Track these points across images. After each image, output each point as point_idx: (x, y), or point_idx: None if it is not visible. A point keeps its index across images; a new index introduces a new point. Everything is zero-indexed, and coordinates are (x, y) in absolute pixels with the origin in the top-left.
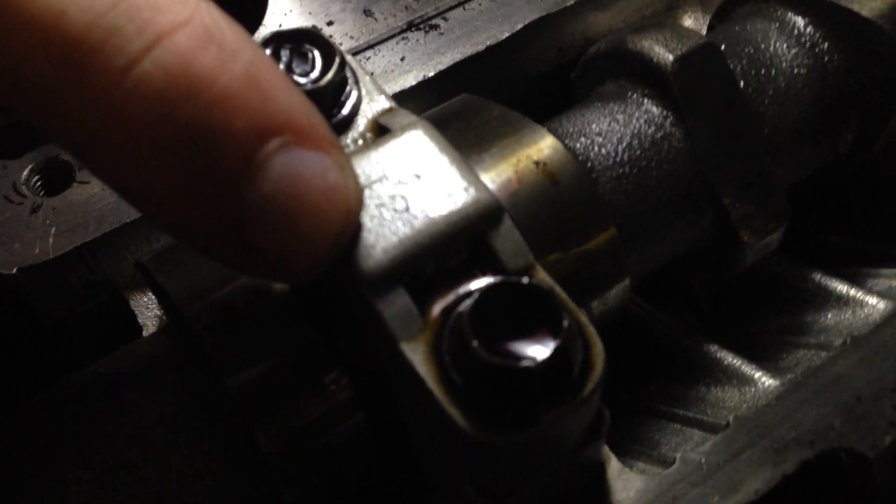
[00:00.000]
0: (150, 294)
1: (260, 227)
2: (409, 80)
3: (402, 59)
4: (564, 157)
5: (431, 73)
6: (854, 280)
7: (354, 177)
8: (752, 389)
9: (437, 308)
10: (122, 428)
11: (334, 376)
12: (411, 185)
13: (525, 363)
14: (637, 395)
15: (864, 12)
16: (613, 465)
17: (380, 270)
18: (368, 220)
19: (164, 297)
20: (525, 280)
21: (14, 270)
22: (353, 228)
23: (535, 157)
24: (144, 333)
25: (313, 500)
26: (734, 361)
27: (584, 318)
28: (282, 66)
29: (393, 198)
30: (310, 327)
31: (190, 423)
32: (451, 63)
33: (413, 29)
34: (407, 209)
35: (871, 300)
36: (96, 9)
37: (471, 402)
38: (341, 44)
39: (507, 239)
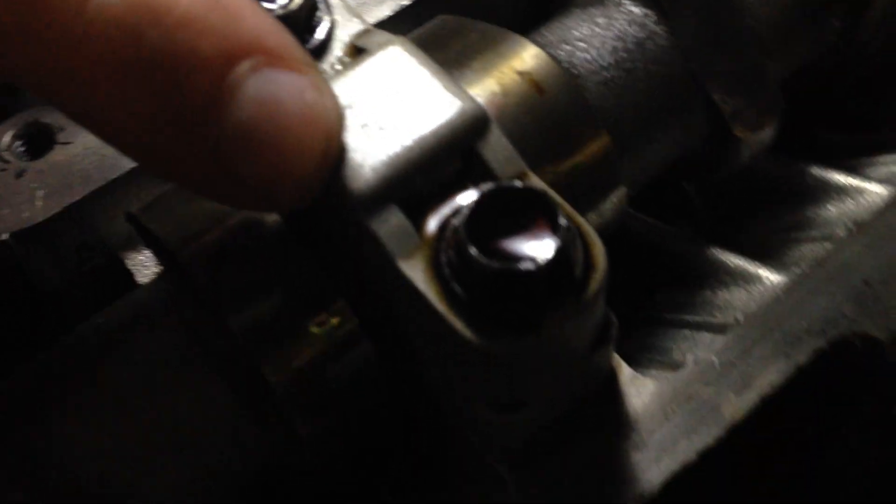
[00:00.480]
0: (146, 252)
1: (238, 154)
2: (385, 10)
3: None
4: (548, 65)
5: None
6: (853, 170)
7: (333, 96)
8: (760, 287)
9: (432, 222)
10: (126, 372)
11: (338, 305)
12: (393, 102)
13: (525, 265)
14: (643, 305)
15: None
16: (625, 371)
17: (370, 190)
18: (353, 140)
19: (158, 244)
20: (518, 183)
21: (5, 236)
22: (336, 149)
23: (519, 68)
24: None
25: (329, 434)
26: (738, 262)
27: (580, 219)
28: None
29: (376, 116)
30: (308, 257)
31: (196, 364)
32: None
33: None
34: (391, 126)
35: (873, 187)
36: None
37: (474, 312)
38: None
39: (497, 147)
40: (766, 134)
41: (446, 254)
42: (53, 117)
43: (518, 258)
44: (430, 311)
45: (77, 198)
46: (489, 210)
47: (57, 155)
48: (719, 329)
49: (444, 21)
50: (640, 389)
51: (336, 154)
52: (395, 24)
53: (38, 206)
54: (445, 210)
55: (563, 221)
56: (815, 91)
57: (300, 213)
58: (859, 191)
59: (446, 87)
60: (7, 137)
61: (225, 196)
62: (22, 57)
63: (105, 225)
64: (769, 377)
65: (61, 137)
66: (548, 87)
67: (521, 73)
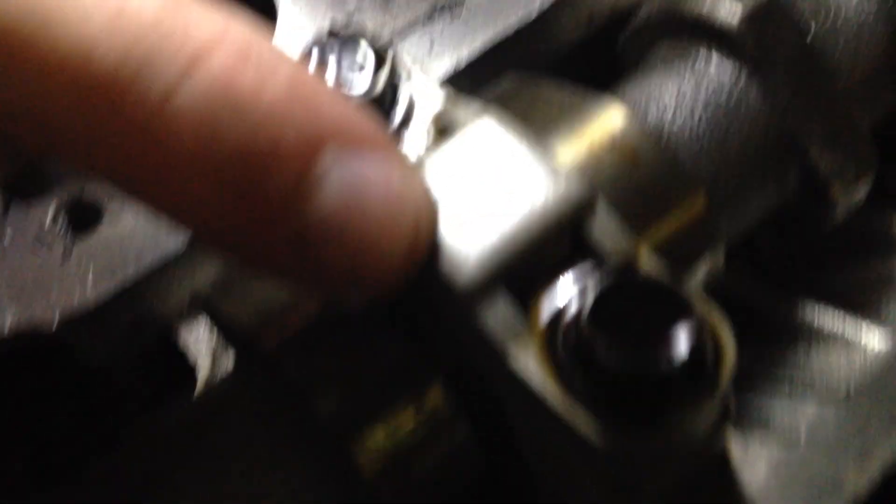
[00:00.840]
0: (200, 329)
1: (322, 245)
2: (441, 69)
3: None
4: (640, 131)
5: (464, 58)
6: None
7: (420, 180)
8: (862, 354)
9: (543, 311)
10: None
11: (434, 391)
12: (493, 181)
13: (661, 366)
14: None
15: None
16: (737, 446)
17: (477, 280)
18: (454, 226)
19: (234, 330)
20: (642, 274)
21: (54, 327)
22: (427, 236)
23: (610, 134)
24: (197, 371)
25: None
26: (837, 323)
27: (708, 304)
28: (331, 72)
29: (475, 198)
30: (401, 339)
31: (290, 454)
32: (482, 47)
33: (436, 15)
34: (493, 210)
35: None
36: (126, 39)
37: (597, 410)
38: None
39: (605, 225)
40: (862, 192)
41: (563, 346)
42: (98, 191)
43: (651, 359)
44: (546, 407)
45: (131, 275)
46: (611, 302)
47: (105, 232)
48: (825, 399)
49: (518, 82)
50: (755, 465)
51: (427, 241)
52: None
53: (89, 288)
54: (557, 297)
55: (697, 314)
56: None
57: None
58: None
59: (548, 164)
60: (50, 214)
61: (307, 283)
62: (94, 153)
63: (159, 302)
64: (889, 450)
65: (108, 213)
66: (642, 155)
67: (613, 143)
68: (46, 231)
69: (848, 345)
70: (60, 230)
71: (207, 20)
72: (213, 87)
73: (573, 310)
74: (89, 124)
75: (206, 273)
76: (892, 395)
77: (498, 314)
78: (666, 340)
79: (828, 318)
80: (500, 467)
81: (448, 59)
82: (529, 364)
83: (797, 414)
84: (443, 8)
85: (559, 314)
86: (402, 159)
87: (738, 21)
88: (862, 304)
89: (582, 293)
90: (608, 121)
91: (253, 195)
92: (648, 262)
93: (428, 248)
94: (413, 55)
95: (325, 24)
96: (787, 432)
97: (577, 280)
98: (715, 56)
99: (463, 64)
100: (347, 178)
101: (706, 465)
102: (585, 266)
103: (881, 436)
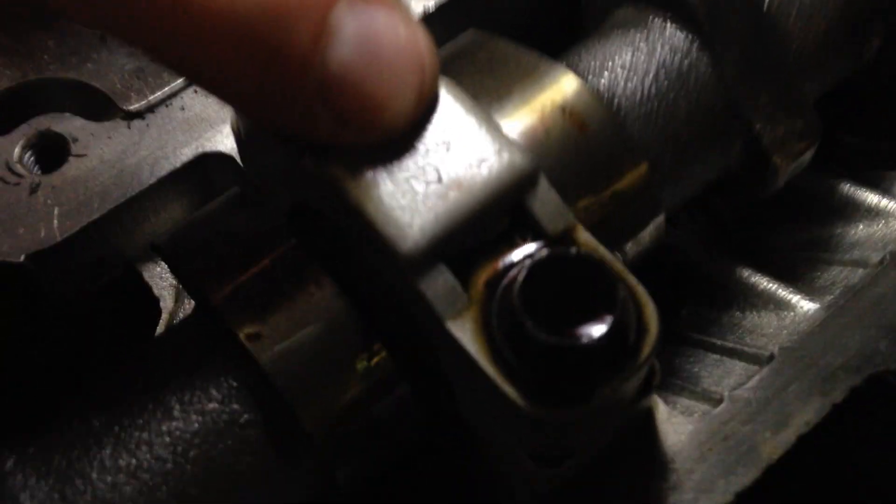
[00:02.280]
0: (163, 264)
1: (343, 92)
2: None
3: None
4: (591, 100)
5: (431, 4)
6: (881, 187)
7: (424, 29)
8: (791, 314)
9: (480, 281)
10: (163, 420)
11: (375, 350)
12: (441, 154)
13: (584, 341)
14: (669, 322)
15: None
16: (661, 409)
17: (419, 250)
18: (401, 195)
19: (187, 281)
20: (573, 251)
21: (22, 258)
22: (431, 80)
23: (561, 103)
24: (161, 304)
25: (365, 475)
26: (769, 285)
27: (633, 280)
28: None
29: (424, 169)
30: (347, 302)
31: (238, 413)
32: None
33: None
34: (439, 180)
35: None
36: None
37: (526, 378)
38: None
39: (546, 201)
40: (804, 159)
41: (497, 318)
42: (65, 126)
43: (575, 333)
44: (479, 373)
45: (95, 217)
46: (543, 278)
47: (72, 168)
48: (752, 359)
49: (477, 40)
50: (676, 428)
51: (432, 84)
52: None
53: (55, 225)
54: (494, 268)
55: (621, 293)
56: (841, 95)
57: (341, 257)
58: (890, 214)
59: (495, 138)
60: (18, 148)
61: (326, 132)
62: (133, 29)
63: (123, 238)
64: (805, 416)
65: (75, 149)
66: (591, 123)
67: (563, 109)
68: (14, 166)
69: (778, 309)
70: (28, 165)
71: None
72: None
73: (506, 284)
74: None
75: (168, 212)
76: (814, 360)
77: (438, 284)
78: (590, 317)
79: (762, 282)
80: (440, 421)
81: (414, 7)
82: (466, 334)
83: (724, 376)
84: None
85: (494, 284)
86: (408, 12)
87: None
88: (796, 270)
89: (516, 268)
90: (560, 87)
91: (276, 51)
92: (584, 238)
93: (434, 92)
94: None
95: None
96: (712, 394)
97: (514, 254)
98: (669, 24)
99: (432, 8)
100: (361, 27)
101: (630, 424)
102: (523, 239)
103: (799, 401)
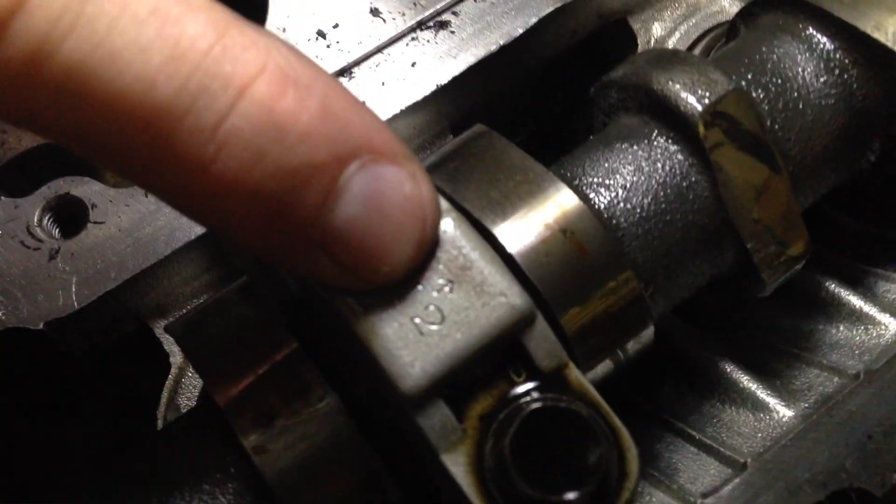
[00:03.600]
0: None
1: (345, 245)
2: (423, 90)
3: (413, 64)
4: (591, 223)
5: (445, 81)
6: (865, 285)
7: (429, 184)
8: (767, 418)
9: (475, 413)
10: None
11: (374, 465)
12: (445, 293)
13: (568, 497)
14: (650, 400)
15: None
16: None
17: (419, 390)
18: (405, 334)
19: (198, 372)
20: (563, 403)
21: (41, 325)
22: (432, 232)
23: (563, 225)
24: (171, 360)
25: None
26: (748, 385)
27: (618, 423)
28: None
29: (428, 308)
30: (348, 418)
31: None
32: (465, 67)
33: (423, 28)
34: (442, 320)
35: (884, 319)
36: (182, 72)
37: None
38: (349, 51)
39: (541, 341)
40: (793, 273)
41: (489, 458)
42: (84, 190)
43: (559, 487)
44: None
45: (111, 287)
46: (533, 427)
47: (90, 236)
48: (727, 461)
49: (485, 142)
50: None
51: (432, 236)
52: (430, 102)
53: (73, 293)
54: (490, 402)
55: (604, 447)
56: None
57: (341, 363)
58: (871, 321)
59: (497, 281)
60: (38, 211)
61: (328, 278)
62: (149, 173)
63: (137, 300)
64: None
65: (93, 215)
66: (590, 247)
67: (564, 232)
68: (34, 230)
69: (755, 410)
70: (47, 228)
71: (253, 46)
72: (258, 112)
73: (497, 428)
74: (143, 149)
75: (182, 275)
76: (783, 473)
77: (435, 419)
78: (575, 469)
79: (742, 380)
80: None
81: (427, 84)
82: (459, 468)
83: (700, 474)
84: (429, 23)
85: (489, 423)
86: (414, 165)
87: (699, 113)
88: (776, 368)
89: (510, 414)
90: (563, 208)
91: (285, 208)
92: (574, 377)
93: (434, 240)
94: (394, 74)
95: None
96: (687, 495)
97: (508, 392)
98: (671, 144)
99: (442, 87)
100: (368, 185)
101: None
102: (517, 374)
103: None
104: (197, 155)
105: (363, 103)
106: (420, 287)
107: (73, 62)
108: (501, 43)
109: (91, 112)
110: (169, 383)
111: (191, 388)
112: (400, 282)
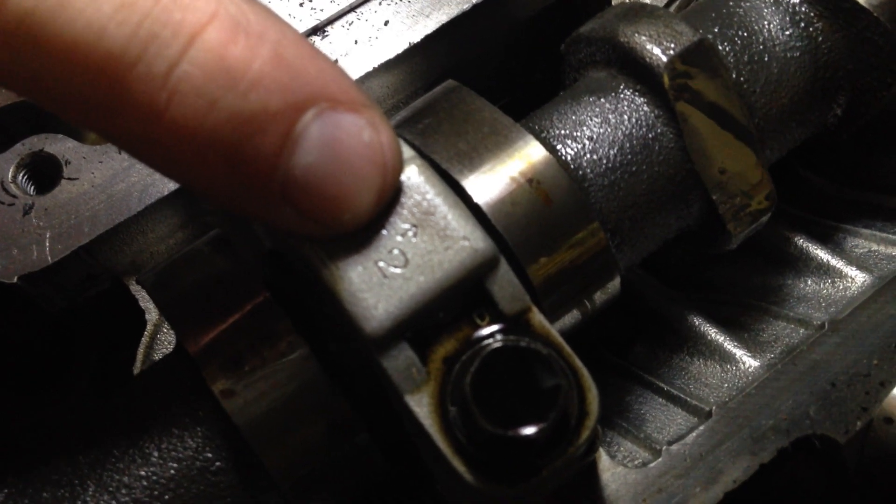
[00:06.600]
0: None
1: (305, 193)
2: (396, 48)
3: (386, 23)
4: (558, 173)
5: (418, 39)
6: (834, 240)
7: (389, 131)
8: (734, 368)
9: (439, 356)
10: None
11: (341, 407)
12: (409, 238)
13: (526, 432)
14: (622, 356)
15: (862, 1)
16: (604, 459)
17: (383, 331)
18: (369, 278)
19: (170, 323)
20: (524, 342)
21: (15, 279)
22: (393, 180)
23: (529, 175)
24: (147, 316)
25: None
26: (717, 337)
27: (579, 364)
28: None
29: (391, 253)
30: (316, 363)
31: (210, 461)
32: (438, 26)
33: None
34: (406, 263)
35: (850, 272)
36: (132, 20)
37: (475, 457)
38: (322, 10)
39: (504, 285)
40: (759, 225)
41: (452, 398)
42: (58, 147)
43: (519, 423)
44: (433, 444)
45: (85, 241)
46: (494, 366)
47: (64, 192)
48: (693, 410)
49: (456, 96)
50: (616, 478)
51: (393, 183)
52: (404, 61)
53: (47, 248)
54: (452, 345)
55: (563, 385)
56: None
57: (311, 309)
58: (838, 273)
59: (461, 225)
60: (12, 167)
61: (291, 226)
62: (102, 119)
63: (111, 257)
64: (734, 474)
65: (67, 171)
66: (556, 197)
67: (531, 181)
68: (8, 186)
69: (723, 361)
70: (21, 185)
71: None
72: (208, 59)
73: (460, 369)
74: (98, 97)
75: (156, 232)
76: (747, 421)
77: (399, 360)
78: (536, 404)
79: (710, 332)
80: (403, 465)
81: (400, 42)
82: (423, 409)
83: (666, 423)
84: None
85: (451, 365)
86: (374, 113)
87: (664, 63)
88: (744, 321)
89: (471, 350)
90: (530, 159)
91: (242, 156)
92: (537, 321)
93: (395, 187)
94: (368, 33)
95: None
96: (653, 442)
97: (471, 335)
98: (638, 96)
99: (415, 45)
100: (326, 133)
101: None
102: (481, 318)
103: (729, 460)
104: (150, 102)
105: (320, 51)
106: (384, 232)
107: (24, 10)
108: (475, 1)
109: (45, 60)
110: (145, 340)
111: (166, 345)
112: (364, 227)
